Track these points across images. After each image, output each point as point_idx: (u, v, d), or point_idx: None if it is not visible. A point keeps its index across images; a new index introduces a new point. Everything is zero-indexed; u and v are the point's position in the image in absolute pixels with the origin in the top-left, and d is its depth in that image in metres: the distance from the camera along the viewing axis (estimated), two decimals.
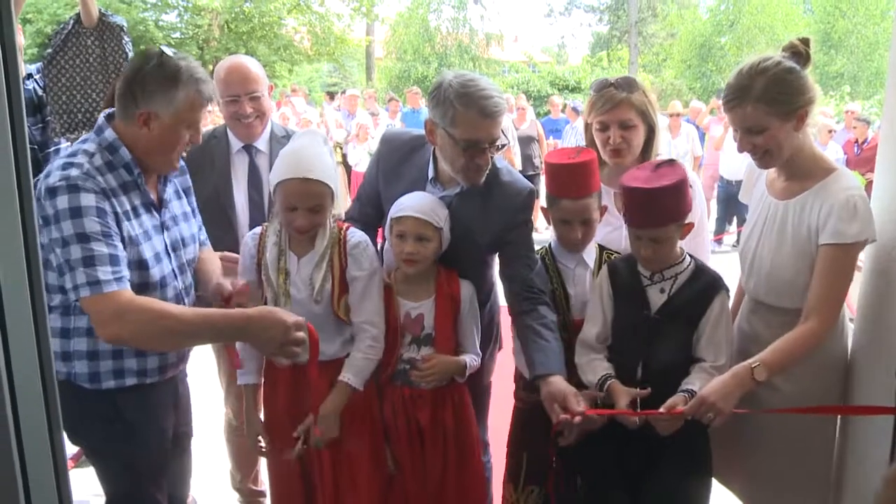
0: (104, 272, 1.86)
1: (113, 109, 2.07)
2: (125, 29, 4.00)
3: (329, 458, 2.46)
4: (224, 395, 3.17)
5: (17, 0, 3.65)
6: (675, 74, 29.78)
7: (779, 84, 2.10)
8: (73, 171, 1.91)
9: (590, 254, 2.52)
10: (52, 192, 1.87)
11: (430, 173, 2.48)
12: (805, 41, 2.17)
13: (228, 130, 2.93)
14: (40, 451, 1.16)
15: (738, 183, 8.84)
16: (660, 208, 2.22)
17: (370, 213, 2.63)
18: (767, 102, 2.09)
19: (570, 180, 2.40)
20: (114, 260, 1.89)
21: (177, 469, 2.46)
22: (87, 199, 1.89)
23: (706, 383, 2.16)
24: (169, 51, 2.04)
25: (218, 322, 2.00)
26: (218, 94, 2.82)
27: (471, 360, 2.51)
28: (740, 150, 2.23)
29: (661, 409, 2.15)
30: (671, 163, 2.30)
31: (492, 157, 2.35)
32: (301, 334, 2.02)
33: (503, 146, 2.35)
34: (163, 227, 2.16)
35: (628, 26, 32.98)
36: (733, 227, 10.00)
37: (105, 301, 1.85)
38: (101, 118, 2.05)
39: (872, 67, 27.19)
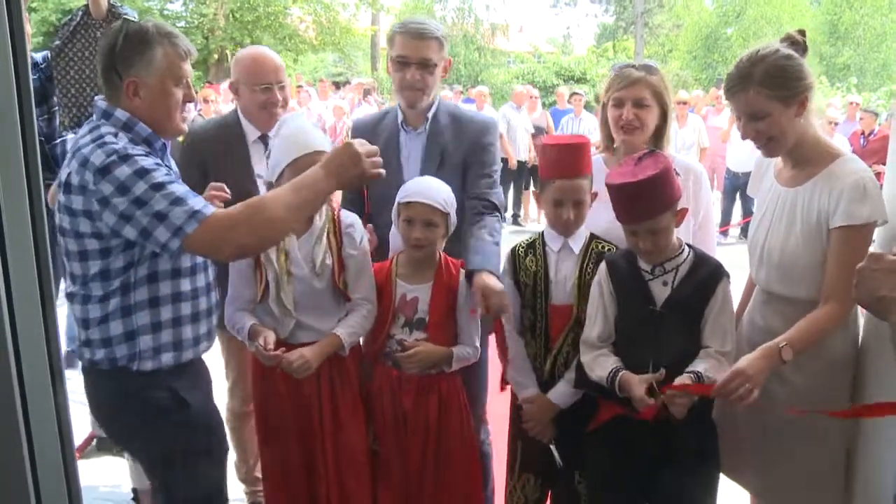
0: (195, 203, 1.90)
1: (102, 97, 2.06)
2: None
3: (332, 446, 2.51)
4: (229, 389, 3.17)
5: None
6: (681, 65, 29.69)
7: (778, 69, 2.14)
8: (116, 146, 1.90)
9: (576, 240, 2.52)
10: (106, 170, 1.86)
11: (400, 117, 2.78)
12: (802, 32, 2.21)
13: (242, 119, 2.92)
14: (49, 440, 1.16)
15: (745, 175, 8.88)
16: (651, 199, 2.21)
17: (354, 197, 2.80)
18: (769, 87, 2.13)
19: (564, 160, 2.43)
20: (193, 194, 1.94)
21: None
22: (145, 161, 1.90)
23: (712, 366, 2.18)
24: (132, 18, 2.07)
25: (305, 185, 2.01)
26: (243, 82, 2.87)
27: (462, 351, 2.55)
28: (744, 137, 2.25)
29: (677, 385, 2.13)
30: (652, 153, 2.29)
31: (423, 77, 2.65)
32: (371, 147, 2.08)
33: (434, 67, 2.67)
34: None
35: (634, 17, 32.81)
36: (737, 220, 9.99)
37: (211, 224, 1.88)
38: (101, 104, 2.03)
39: (879, 59, 27.07)
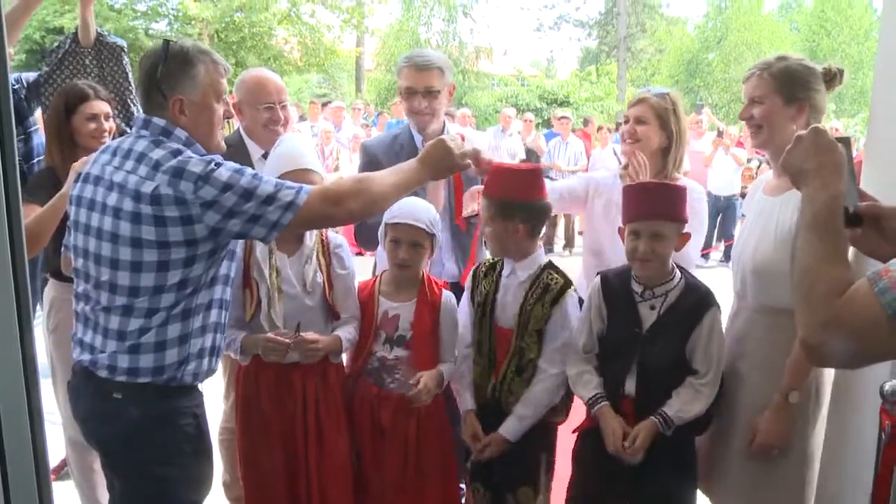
0: (292, 184, 2.02)
1: (145, 116, 2.07)
2: (125, 49, 3.97)
3: (315, 461, 2.52)
4: (227, 409, 3.13)
5: (13, 28, 3.56)
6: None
7: (792, 70, 2.31)
8: (207, 157, 1.99)
9: (525, 267, 2.54)
10: (207, 177, 1.93)
11: (418, 138, 3.03)
12: (840, 71, 2.36)
13: (246, 138, 3.02)
14: (23, 462, 1.15)
15: (727, 198, 8.96)
16: (664, 202, 2.32)
17: None
18: (776, 78, 2.30)
19: (511, 182, 2.47)
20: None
21: None
22: (234, 164, 2.00)
23: (687, 400, 2.28)
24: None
25: (402, 170, 2.18)
26: (246, 102, 2.99)
27: (449, 369, 2.59)
28: (740, 117, 2.41)
29: (639, 440, 2.27)
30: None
31: (430, 104, 2.95)
32: (465, 146, 2.24)
33: (438, 93, 2.99)
34: None
35: (617, 41, 33.18)
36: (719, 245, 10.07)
37: (322, 194, 2.03)
38: (159, 122, 2.04)
39: (856, 86, 27.50)
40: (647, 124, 2.77)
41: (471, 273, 2.69)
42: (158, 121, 2.04)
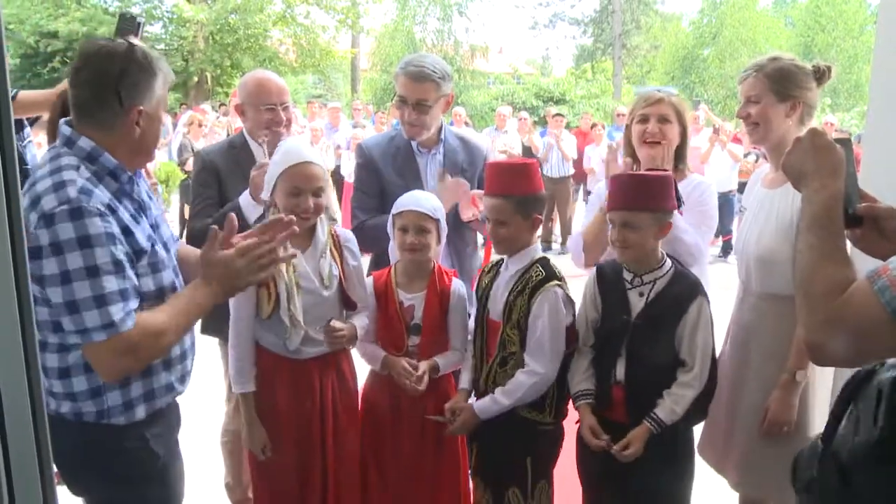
0: (116, 310, 1.72)
1: (68, 119, 1.91)
2: None
3: (333, 459, 2.57)
4: (230, 411, 3.14)
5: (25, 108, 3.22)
6: (659, 86, 30.05)
7: (784, 70, 2.44)
8: (71, 192, 1.71)
9: (515, 261, 2.56)
10: (50, 219, 1.67)
11: (415, 143, 3.05)
12: (829, 68, 2.46)
13: (249, 139, 3.03)
14: (26, 460, 1.15)
15: (723, 194, 8.99)
16: (634, 193, 2.35)
17: (378, 204, 2.98)
18: (770, 78, 2.43)
19: (497, 179, 2.53)
20: (124, 294, 1.75)
21: None
22: (95, 226, 1.70)
23: (675, 404, 2.30)
24: (134, 41, 1.94)
25: (194, 308, 1.90)
26: (249, 104, 3.00)
27: (446, 360, 2.67)
28: (738, 115, 2.55)
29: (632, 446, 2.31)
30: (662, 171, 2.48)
31: (419, 116, 2.93)
32: (248, 242, 1.95)
33: (429, 107, 2.94)
34: (154, 230, 2.01)
35: (612, 38, 33.19)
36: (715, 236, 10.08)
37: (118, 342, 1.74)
38: (65, 129, 1.86)
39: (852, 80, 27.60)
40: (671, 123, 2.78)
41: (479, 272, 2.75)
42: (65, 128, 1.86)
